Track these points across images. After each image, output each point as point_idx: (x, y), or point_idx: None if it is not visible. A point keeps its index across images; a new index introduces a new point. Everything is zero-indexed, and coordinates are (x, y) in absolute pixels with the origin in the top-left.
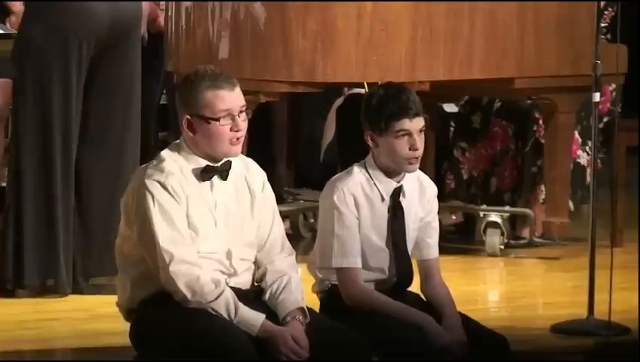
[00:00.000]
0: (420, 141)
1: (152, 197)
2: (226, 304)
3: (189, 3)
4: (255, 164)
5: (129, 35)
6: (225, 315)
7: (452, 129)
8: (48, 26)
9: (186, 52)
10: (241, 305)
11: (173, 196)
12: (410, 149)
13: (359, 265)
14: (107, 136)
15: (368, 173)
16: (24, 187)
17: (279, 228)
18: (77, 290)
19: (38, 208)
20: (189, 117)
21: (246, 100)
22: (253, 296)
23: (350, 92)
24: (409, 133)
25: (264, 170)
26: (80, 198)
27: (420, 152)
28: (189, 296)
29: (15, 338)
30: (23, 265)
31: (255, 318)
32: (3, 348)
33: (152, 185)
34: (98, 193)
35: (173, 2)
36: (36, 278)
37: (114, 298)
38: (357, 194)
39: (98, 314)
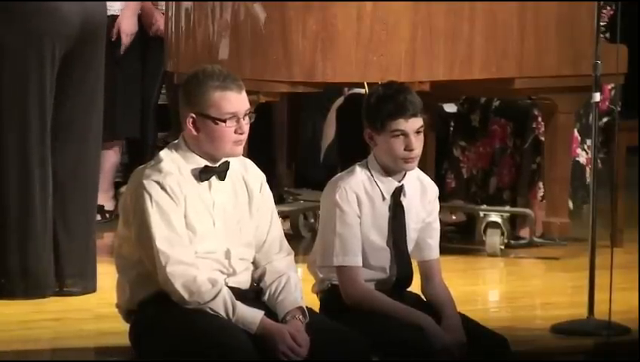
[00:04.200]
0: (416, 141)
1: (150, 197)
2: (224, 303)
3: (189, 3)
4: (253, 164)
5: (96, 35)
6: (223, 314)
7: (451, 128)
8: (20, 27)
9: (186, 52)
10: (238, 303)
11: (171, 196)
12: (405, 149)
13: (360, 263)
14: (70, 135)
15: (370, 172)
16: (1, 188)
17: (278, 228)
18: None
19: (17, 208)
20: (193, 115)
21: None
22: (253, 295)
23: (350, 92)
24: (405, 133)
25: (264, 170)
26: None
27: (416, 152)
28: (186, 296)
29: (15, 339)
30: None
31: (253, 316)
32: (3, 348)
33: (150, 186)
34: (61, 190)
35: (173, 2)
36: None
37: (114, 298)
38: (359, 193)
39: (99, 314)
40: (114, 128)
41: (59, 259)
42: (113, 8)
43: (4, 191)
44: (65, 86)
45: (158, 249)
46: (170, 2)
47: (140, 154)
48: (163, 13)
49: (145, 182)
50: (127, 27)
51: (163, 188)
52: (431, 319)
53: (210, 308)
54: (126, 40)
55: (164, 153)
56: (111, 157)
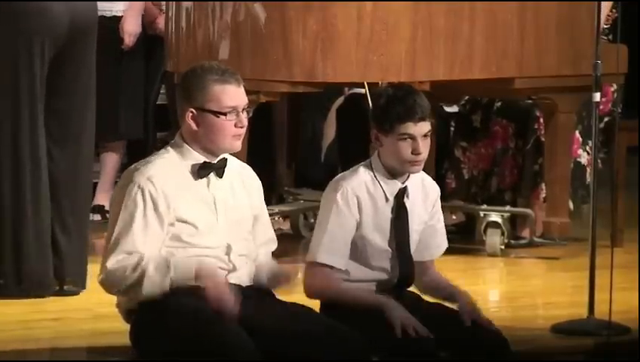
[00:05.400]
0: (423, 145)
1: (127, 199)
2: (157, 270)
3: (189, 3)
4: (250, 168)
5: (87, 34)
6: (160, 281)
7: (452, 128)
8: (10, 28)
9: (186, 52)
10: (173, 263)
11: (145, 202)
12: (412, 153)
13: (342, 268)
14: (65, 135)
15: (373, 173)
16: None
17: (270, 225)
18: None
19: (11, 209)
20: (193, 110)
21: None
22: (253, 293)
23: (350, 92)
24: (413, 137)
25: (264, 170)
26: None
27: (422, 156)
28: (119, 291)
29: (15, 338)
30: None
31: (189, 266)
32: (3, 348)
33: (131, 188)
34: (57, 189)
35: (173, 2)
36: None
37: (114, 298)
38: (360, 195)
39: (99, 313)
40: (118, 129)
41: (57, 259)
42: (116, 9)
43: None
44: (58, 86)
45: (108, 250)
46: (170, 2)
47: (140, 155)
48: (162, 11)
49: (128, 183)
50: (131, 27)
51: (142, 192)
52: (390, 298)
53: (146, 276)
54: (128, 40)
55: (158, 154)
56: (113, 158)
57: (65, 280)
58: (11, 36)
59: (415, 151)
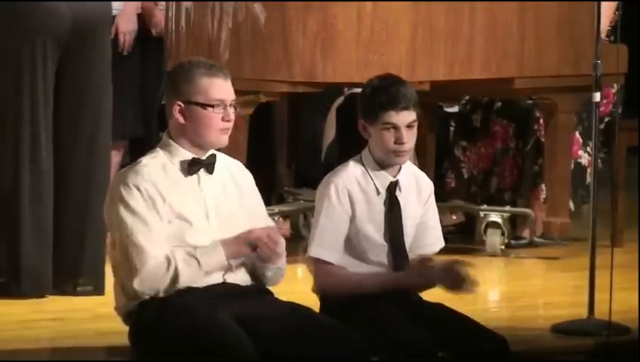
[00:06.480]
0: (407, 135)
1: (124, 201)
2: (186, 267)
3: (189, 3)
4: (241, 164)
5: (95, 33)
6: (196, 273)
7: (452, 128)
8: (11, 28)
9: (186, 52)
10: (198, 251)
11: (145, 199)
12: (396, 142)
13: (335, 261)
14: (78, 134)
15: (364, 166)
16: None
17: (268, 217)
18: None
19: (9, 209)
20: (180, 103)
21: (246, 100)
22: (254, 292)
23: (350, 92)
24: (395, 127)
25: (264, 169)
26: (56, 198)
27: (407, 146)
28: (159, 294)
29: (15, 338)
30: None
31: (213, 247)
32: (3, 348)
33: (125, 190)
34: (71, 193)
35: (173, 2)
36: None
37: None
38: (352, 189)
39: (99, 314)
40: (120, 128)
41: (72, 259)
42: (113, 7)
43: None
44: (67, 84)
45: (131, 255)
46: (170, 2)
47: (142, 154)
48: (157, 4)
49: (121, 187)
50: (124, 26)
51: (139, 190)
52: (404, 273)
53: (180, 275)
54: (123, 38)
55: (147, 155)
56: (115, 157)
57: (77, 281)
58: (12, 36)
59: (398, 141)
